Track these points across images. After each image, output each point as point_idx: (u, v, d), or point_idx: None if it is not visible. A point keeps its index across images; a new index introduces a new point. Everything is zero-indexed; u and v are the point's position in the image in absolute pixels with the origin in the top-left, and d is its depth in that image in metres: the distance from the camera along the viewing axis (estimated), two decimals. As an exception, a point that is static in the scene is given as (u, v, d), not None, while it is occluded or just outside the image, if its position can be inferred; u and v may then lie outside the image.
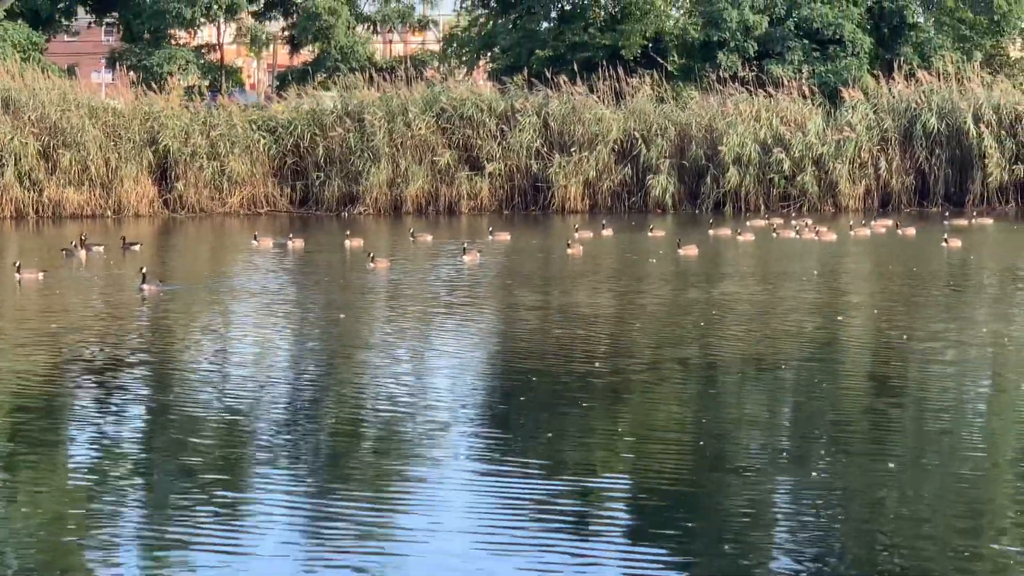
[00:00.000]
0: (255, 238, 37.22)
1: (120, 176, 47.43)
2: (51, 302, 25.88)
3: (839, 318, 23.61)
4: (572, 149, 49.11)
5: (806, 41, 55.01)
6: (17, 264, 29.07)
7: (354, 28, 66.41)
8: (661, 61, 55.69)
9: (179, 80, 56.73)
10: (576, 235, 37.09)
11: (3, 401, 16.76)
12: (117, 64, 64.09)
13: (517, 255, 34.40)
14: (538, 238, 39.79)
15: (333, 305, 25.52)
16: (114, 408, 16.50)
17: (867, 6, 56.78)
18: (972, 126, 49.23)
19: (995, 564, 10.56)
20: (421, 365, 19.61)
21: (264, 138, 49.24)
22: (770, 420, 15.72)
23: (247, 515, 11.86)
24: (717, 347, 20.43)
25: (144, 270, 27.38)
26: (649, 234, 38.61)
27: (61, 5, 64.94)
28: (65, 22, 66.47)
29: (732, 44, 54.57)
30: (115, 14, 66.26)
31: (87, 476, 13.28)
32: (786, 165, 48.66)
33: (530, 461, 13.54)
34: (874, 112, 50.37)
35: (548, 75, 51.86)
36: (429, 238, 38.30)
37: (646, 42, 56.65)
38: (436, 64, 65.50)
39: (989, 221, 43.86)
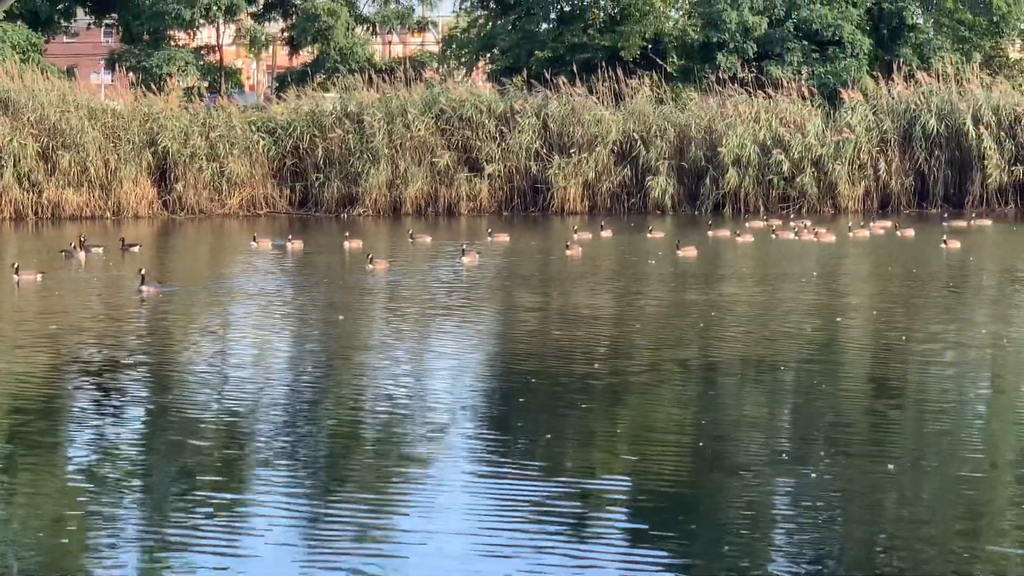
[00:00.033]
0: (254, 239, 37.21)
1: (119, 177, 47.41)
2: (50, 303, 25.87)
3: (838, 319, 23.61)
4: (571, 150, 49.11)
5: (805, 42, 55.00)
6: (15, 265, 29.05)
7: (353, 29, 66.44)
8: (660, 62, 55.69)
9: (178, 81, 56.73)
10: (575, 236, 37.08)
11: (2, 402, 16.75)
12: (116, 65, 64.04)
13: (516, 256, 34.39)
14: (537, 239, 39.79)
15: (332, 306, 25.52)
16: (113, 409, 16.49)
17: (866, 7, 56.76)
18: (971, 127, 49.22)
19: (994, 566, 10.56)
20: (420, 367, 19.61)
21: (263, 139, 49.23)
22: (769, 421, 15.72)
23: (246, 517, 11.85)
24: (716, 348, 20.42)
25: (143, 271, 27.38)
26: (648, 235, 38.60)
27: (60, 6, 64.94)
28: (64, 23, 66.48)
29: (731, 45, 54.56)
30: (114, 15, 66.29)
31: (86, 478, 13.26)
32: (785, 166, 48.65)
33: (529, 463, 13.54)
34: (873, 113, 50.36)
35: (547, 76, 51.86)
36: (428, 239, 38.29)
37: (645, 43, 56.64)
38: (435, 65, 65.54)
39: (988, 222, 43.86)
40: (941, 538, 11.14)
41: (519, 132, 49.26)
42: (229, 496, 12.46)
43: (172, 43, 64.43)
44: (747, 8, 54.82)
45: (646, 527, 11.57)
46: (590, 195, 49.16)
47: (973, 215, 45.58)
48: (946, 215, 45.34)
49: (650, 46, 56.80)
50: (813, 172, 48.91)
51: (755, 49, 54.58)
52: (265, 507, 12.07)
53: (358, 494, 12.49)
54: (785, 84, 51.72)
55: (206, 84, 63.27)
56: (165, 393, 17.33)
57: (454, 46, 63.43)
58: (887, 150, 49.77)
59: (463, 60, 62.47)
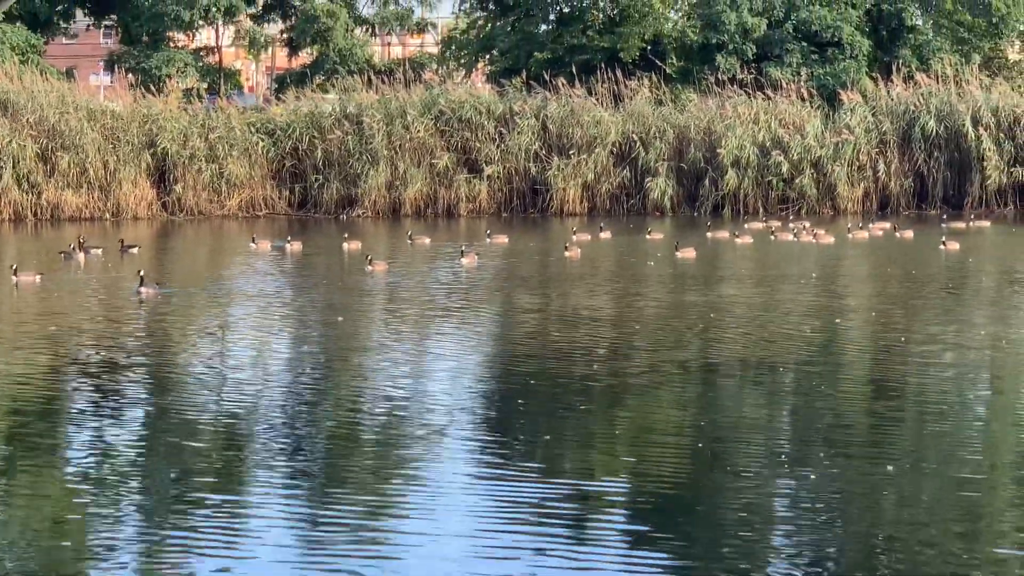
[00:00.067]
0: (253, 241, 37.21)
1: (119, 179, 47.41)
2: (49, 304, 25.86)
3: (837, 321, 23.61)
4: (571, 152, 49.10)
5: (804, 44, 55.02)
6: (14, 267, 29.04)
7: (352, 31, 66.45)
8: (660, 64, 55.70)
9: (177, 83, 56.72)
10: (574, 238, 37.08)
11: (0, 404, 16.74)
12: (115, 66, 64.07)
13: (515, 258, 34.39)
14: (536, 241, 39.78)
15: (331, 308, 25.51)
16: (112, 411, 16.48)
17: (865, 8, 56.78)
18: (971, 129, 49.21)
19: (994, 568, 10.55)
20: (419, 368, 19.60)
21: (262, 141, 49.22)
22: (768, 423, 15.71)
23: (245, 518, 11.85)
24: (715, 350, 20.42)
25: (142, 273, 27.37)
26: (647, 236, 38.61)
27: (59, 7, 64.97)
28: (63, 24, 66.50)
29: (731, 47, 54.58)
30: (113, 16, 66.32)
31: (84, 479, 13.25)
32: (784, 168, 48.65)
33: (528, 464, 13.53)
34: (872, 115, 50.36)
35: (546, 77, 51.85)
36: (427, 241, 38.29)
37: (644, 45, 56.65)
38: (435, 67, 65.57)
39: (987, 224, 43.86)
40: (940, 540, 11.14)
41: (518, 133, 49.26)
42: (228, 497, 12.45)
43: (171, 44, 64.44)
44: (746, 9, 54.83)
45: (645, 528, 11.57)
46: (589, 196, 49.16)
47: (972, 216, 45.58)
48: (945, 216, 45.34)
49: (649, 47, 56.81)
50: (812, 173, 48.91)
51: (754, 50, 54.60)
52: (264, 508, 12.06)
53: (357, 495, 12.49)
54: (784, 85, 51.73)
55: (205, 85, 63.26)
56: (164, 394, 17.32)
57: (453, 47, 63.44)
58: (886, 151, 49.76)
59: (462, 61, 62.49)
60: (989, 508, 12.09)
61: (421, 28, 73.03)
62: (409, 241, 37.70)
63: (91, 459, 14.09)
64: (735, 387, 17.84)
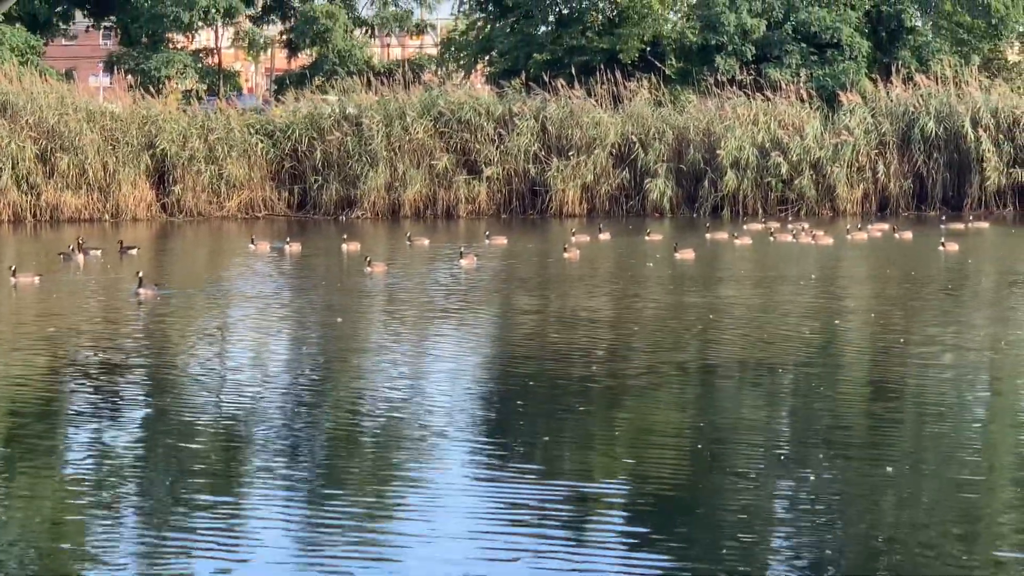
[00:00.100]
0: (252, 242, 37.21)
1: (118, 180, 47.41)
2: (47, 306, 25.86)
3: (836, 322, 23.61)
4: (570, 153, 49.10)
5: (804, 45, 55.03)
6: (12, 268, 29.03)
7: (352, 32, 66.42)
8: (659, 65, 55.71)
9: (177, 84, 56.70)
10: (573, 239, 37.09)
11: (-1, 406, 16.74)
12: (115, 68, 64.03)
13: (514, 259, 34.38)
14: (535, 242, 39.78)
15: (330, 309, 25.50)
16: (110, 412, 16.46)
17: (865, 10, 56.77)
18: (970, 130, 49.21)
19: (993, 570, 10.54)
20: (418, 369, 19.59)
21: (262, 142, 49.23)
22: (768, 424, 15.70)
23: (244, 520, 11.83)
24: (714, 351, 20.42)
25: (141, 274, 27.36)
26: (646, 238, 38.61)
27: (59, 9, 64.97)
28: (63, 26, 66.50)
29: (730, 48, 54.58)
30: (113, 18, 66.30)
31: (83, 481, 13.24)
32: (784, 169, 48.64)
33: (527, 466, 13.53)
34: (872, 116, 50.35)
35: (546, 79, 51.82)
36: (426, 242, 38.29)
37: (644, 46, 56.66)
38: (434, 68, 65.58)
39: (986, 225, 43.87)
40: (939, 541, 11.13)
41: (517, 135, 49.26)
42: (226, 499, 12.44)
43: (170, 46, 64.42)
44: (745, 11, 54.84)
45: (644, 530, 11.56)
46: (588, 197, 49.15)
47: (971, 218, 45.58)
48: (944, 218, 45.34)
49: (648, 49, 56.83)
50: (811, 175, 48.90)
51: (753, 51, 54.60)
52: (263, 510, 12.05)
53: (355, 497, 12.48)
54: (783, 87, 51.73)
55: (204, 87, 63.23)
56: (163, 396, 17.31)
57: (452, 49, 63.45)
58: (885, 153, 49.76)
59: (461, 63, 62.49)
60: (988, 510, 12.08)
61: (420, 29, 73.03)
62: (408, 242, 37.69)
63: (90, 461, 14.08)
64: (734, 388, 17.83)
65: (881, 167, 49.45)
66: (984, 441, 14.87)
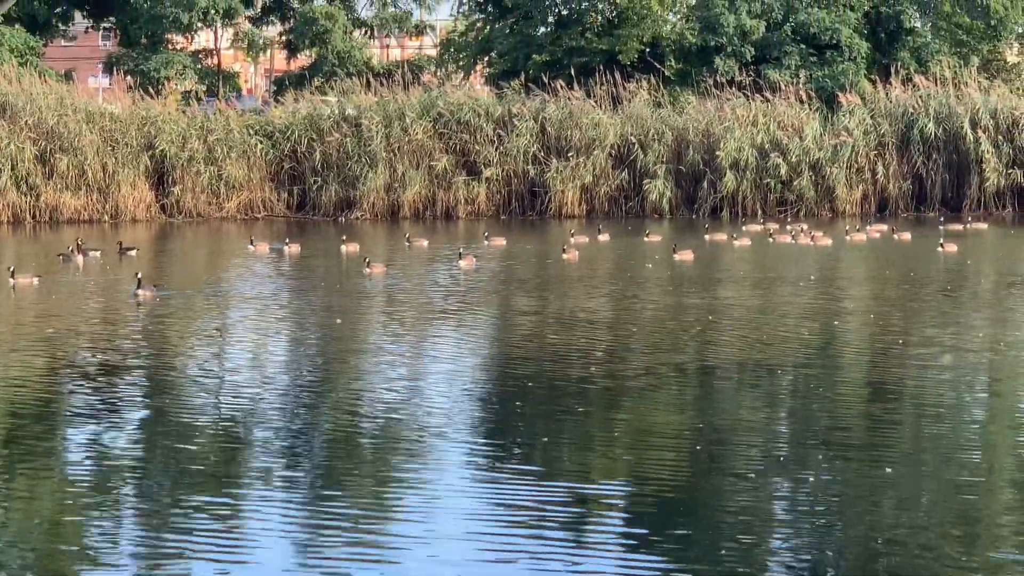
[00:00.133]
0: (251, 243, 37.21)
1: (117, 181, 47.41)
2: (46, 307, 25.85)
3: (835, 323, 23.62)
4: (569, 154, 49.10)
5: (803, 46, 55.02)
6: (11, 269, 29.03)
7: (351, 33, 66.43)
8: (658, 66, 55.70)
9: (176, 85, 56.70)
10: (572, 240, 37.09)
11: (-2, 407, 16.75)
12: (114, 69, 64.10)
13: (513, 260, 34.39)
14: (534, 243, 39.77)
15: (329, 310, 25.50)
16: (109, 414, 16.46)
17: (864, 11, 56.77)
18: (969, 131, 49.21)
19: (992, 572, 10.54)
20: (416, 370, 19.59)
21: (261, 143, 49.24)
22: (766, 425, 15.70)
23: (242, 522, 11.83)
24: (713, 352, 20.42)
25: (140, 275, 27.36)
26: (645, 239, 38.61)
27: (58, 10, 64.97)
28: (62, 27, 66.49)
29: (729, 49, 54.57)
30: (112, 19, 66.29)
31: (82, 483, 13.24)
32: (783, 170, 48.65)
33: (526, 467, 13.53)
34: (871, 117, 50.35)
35: (545, 80, 51.80)
36: (425, 243, 38.29)
37: (643, 47, 56.64)
38: (433, 69, 65.56)
39: (985, 226, 43.88)
40: (938, 543, 11.13)
41: (517, 136, 49.26)
42: (225, 501, 12.44)
43: (170, 47, 64.41)
44: (745, 12, 54.83)
45: (643, 531, 11.56)
46: (588, 199, 49.15)
47: (970, 219, 45.58)
48: (943, 219, 45.33)
49: (648, 50, 56.80)
50: (811, 176, 48.90)
51: (753, 53, 54.59)
52: (262, 511, 12.05)
53: (355, 499, 12.48)
54: (783, 88, 51.72)
55: (204, 88, 63.25)
56: (162, 397, 17.31)
57: (452, 50, 63.43)
58: (885, 154, 49.76)
59: (461, 64, 62.47)
60: (987, 511, 12.08)
61: (420, 30, 73.03)
62: (407, 243, 37.69)
63: (89, 462, 14.08)
64: (733, 389, 17.83)
65: (880, 168, 49.46)
66: (983, 442, 14.87)
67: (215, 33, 71.24)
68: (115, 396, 17.47)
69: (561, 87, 50.91)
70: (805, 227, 40.90)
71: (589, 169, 48.87)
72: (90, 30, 71.70)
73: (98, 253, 34.65)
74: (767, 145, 49.16)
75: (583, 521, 11.80)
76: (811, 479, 12.93)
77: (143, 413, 16.61)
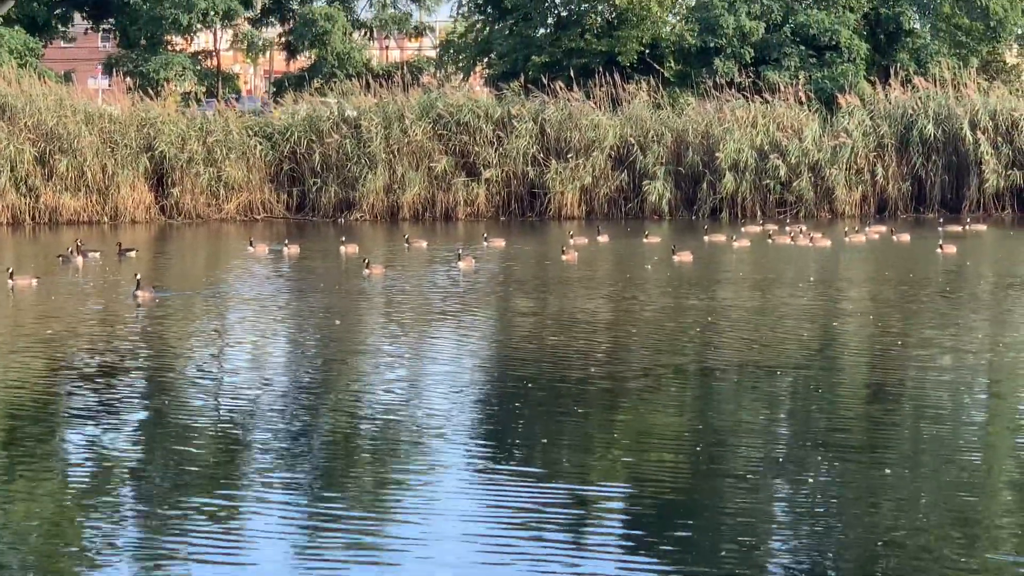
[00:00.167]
0: (250, 244, 37.20)
1: (116, 182, 47.43)
2: (46, 308, 25.85)
3: (834, 324, 23.62)
4: (569, 155, 49.11)
5: (802, 47, 55.03)
6: (10, 270, 29.03)
7: (351, 34, 66.40)
8: (658, 67, 55.70)
9: (175, 86, 56.69)
10: (571, 241, 37.09)
11: (-3, 408, 16.74)
12: (113, 70, 64.06)
13: (512, 261, 34.39)
14: (533, 244, 39.78)
15: (328, 311, 25.50)
16: (108, 415, 16.45)
17: (863, 12, 56.79)
18: (968, 132, 49.21)
19: (991, 573, 10.54)
20: (415, 371, 19.58)
21: (260, 144, 49.25)
22: (766, 427, 15.70)
23: (241, 524, 11.83)
24: (712, 353, 20.41)
25: (139, 276, 27.36)
26: (644, 240, 38.60)
27: (58, 11, 64.97)
28: (62, 28, 66.49)
29: (728, 50, 54.58)
30: (112, 20, 66.28)
31: (81, 484, 13.24)
32: (782, 171, 48.65)
33: (525, 468, 13.52)
34: (870, 118, 50.36)
35: (545, 81, 51.81)
36: (424, 244, 38.29)
37: (643, 48, 56.64)
38: (432, 70, 65.57)
39: (984, 227, 43.88)
40: (938, 544, 11.13)
41: (516, 137, 49.27)
42: (224, 502, 12.44)
43: (169, 48, 64.39)
44: (744, 13, 54.85)
45: (642, 532, 11.56)
46: (587, 200, 49.16)
47: (969, 220, 45.58)
48: (942, 220, 45.32)
49: (647, 51, 56.80)
50: (810, 177, 48.91)
51: (752, 54, 54.60)
52: (260, 513, 12.04)
53: (354, 500, 12.48)
54: (782, 89, 51.72)
55: (203, 89, 63.24)
56: (161, 398, 17.30)
57: (451, 51, 63.41)
58: (884, 155, 49.77)
59: (460, 65, 62.46)
60: (987, 512, 12.07)
61: (419, 32, 72.99)
62: (406, 244, 37.69)
63: (88, 463, 14.07)
64: (732, 391, 17.83)
65: (880, 169, 49.46)
66: (982, 444, 14.87)
67: (214, 34, 71.18)
68: (114, 397, 17.47)
69: (560, 88, 50.92)
70: (804, 228, 40.88)
71: (588, 170, 48.87)
72: (89, 31, 71.66)
73: (97, 254, 34.65)
74: (766, 146, 49.17)
75: (582, 523, 11.79)
76: (810, 480, 12.93)
77: (142, 414, 16.61)
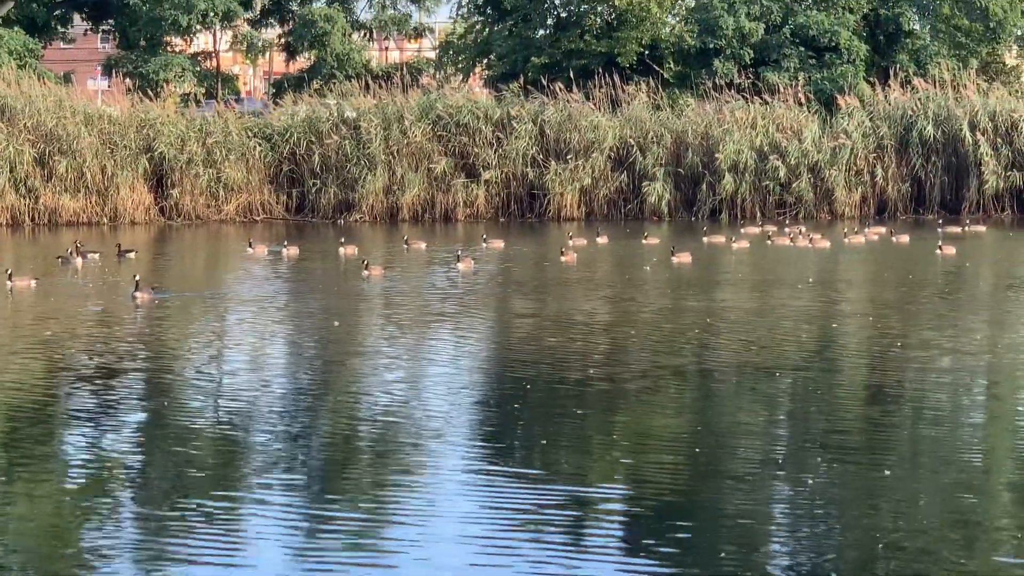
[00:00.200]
0: (250, 245, 37.19)
1: (116, 183, 47.41)
2: (44, 309, 25.85)
3: (833, 326, 23.62)
4: (568, 156, 49.10)
5: (802, 48, 55.03)
6: (8, 271, 29.02)
7: (350, 35, 66.40)
8: (657, 68, 55.71)
9: (175, 87, 56.68)
10: (571, 242, 37.08)
11: (-4, 409, 16.73)
12: (113, 71, 64.03)
13: (511, 262, 34.38)
14: (533, 245, 39.77)
15: (327, 312, 25.50)
16: (107, 417, 16.45)
17: (863, 13, 56.79)
18: (968, 133, 49.21)
19: (991, 574, 10.53)
20: (415, 373, 19.58)
21: (260, 145, 49.24)
22: (765, 428, 15.69)
23: (241, 525, 11.82)
24: (711, 354, 20.41)
25: (138, 277, 27.35)
26: (644, 241, 38.60)
27: (57, 12, 64.96)
28: (61, 29, 66.47)
29: (728, 51, 54.57)
30: (111, 21, 66.26)
31: (80, 486, 13.23)
32: (782, 172, 48.64)
33: (524, 470, 13.52)
34: (870, 119, 50.35)
35: (544, 82, 51.79)
36: (423, 246, 38.28)
37: (642, 49, 56.65)
38: (432, 71, 65.56)
39: (983, 228, 43.88)
40: (937, 546, 11.12)
41: (516, 138, 49.25)
42: (223, 503, 12.43)
43: (169, 49, 64.38)
44: (744, 14, 54.85)
45: (641, 534, 11.55)
46: (587, 201, 49.14)
47: (969, 221, 45.57)
48: (942, 221, 45.32)
49: (647, 52, 56.81)
50: (809, 178, 48.90)
51: (752, 55, 54.60)
52: (259, 515, 12.03)
53: (353, 502, 12.47)
54: (782, 90, 51.71)
55: (203, 90, 63.23)
56: (160, 399, 17.30)
57: (451, 52, 63.41)
58: (884, 156, 49.77)
59: (460, 66, 62.46)
60: (986, 514, 12.07)
61: (419, 33, 72.98)
62: (405, 246, 37.69)
63: (87, 465, 14.06)
64: (731, 392, 17.82)
65: (879, 171, 49.46)
66: (982, 445, 14.87)
67: (214, 35, 71.20)
68: (113, 399, 17.46)
69: (560, 89, 50.91)
70: (804, 229, 40.89)
71: (588, 171, 48.86)
72: (89, 32, 71.62)
73: (97, 255, 34.63)
74: (766, 147, 49.16)
75: (581, 524, 11.79)
76: (809, 482, 12.93)
77: (141, 416, 16.60)
